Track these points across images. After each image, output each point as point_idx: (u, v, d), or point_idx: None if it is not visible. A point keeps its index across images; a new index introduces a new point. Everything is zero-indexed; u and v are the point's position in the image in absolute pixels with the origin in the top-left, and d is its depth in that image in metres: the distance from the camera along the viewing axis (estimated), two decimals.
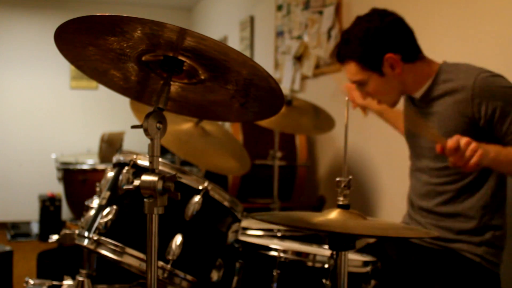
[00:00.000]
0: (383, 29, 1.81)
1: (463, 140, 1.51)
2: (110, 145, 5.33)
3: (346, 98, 1.31)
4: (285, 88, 3.91)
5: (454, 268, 1.77)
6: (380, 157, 2.88)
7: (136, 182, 1.18)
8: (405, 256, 1.89)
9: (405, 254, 1.90)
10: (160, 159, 1.21)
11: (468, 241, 1.78)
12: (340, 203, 1.26)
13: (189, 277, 1.47)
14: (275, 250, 1.60)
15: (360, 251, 1.81)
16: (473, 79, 1.71)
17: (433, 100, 1.83)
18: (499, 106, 1.67)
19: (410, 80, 1.86)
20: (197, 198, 1.49)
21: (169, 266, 1.44)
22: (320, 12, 3.52)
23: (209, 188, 1.51)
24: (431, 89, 1.84)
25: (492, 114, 1.68)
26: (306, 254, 1.58)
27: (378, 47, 1.81)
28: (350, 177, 1.26)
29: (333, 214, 1.26)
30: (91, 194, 1.79)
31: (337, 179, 1.25)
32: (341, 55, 1.89)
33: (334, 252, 1.26)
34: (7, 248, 2.90)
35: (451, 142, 1.51)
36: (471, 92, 1.70)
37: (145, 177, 1.17)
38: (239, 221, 1.64)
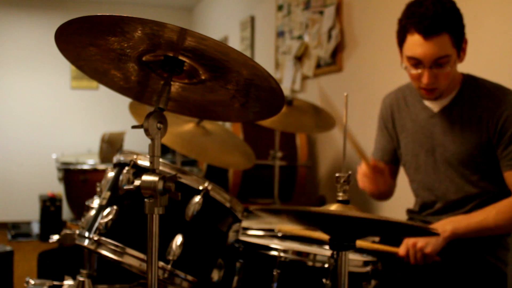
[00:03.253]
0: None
1: (410, 243, 1.69)
2: (111, 145, 5.32)
3: (345, 94, 1.30)
4: (285, 88, 3.91)
5: (468, 266, 1.77)
6: None
7: (137, 182, 1.18)
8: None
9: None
10: (160, 159, 1.21)
11: (485, 241, 1.79)
12: (340, 198, 1.25)
13: (189, 277, 1.47)
14: (276, 250, 1.60)
15: (361, 251, 1.80)
16: (506, 101, 1.72)
17: (457, 111, 1.80)
18: None
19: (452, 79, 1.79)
20: (197, 198, 1.49)
21: (169, 266, 1.44)
22: (321, 12, 3.52)
23: (210, 188, 1.51)
24: (458, 98, 1.80)
25: (504, 132, 1.71)
26: (307, 254, 1.58)
27: (463, 23, 1.72)
28: (350, 172, 1.25)
29: (333, 208, 1.25)
30: (91, 194, 1.79)
31: (337, 174, 1.25)
32: (438, 25, 1.66)
33: (335, 252, 1.25)
34: (8, 248, 2.90)
35: (401, 251, 1.71)
36: (501, 111, 1.71)
37: (145, 177, 1.17)
38: (240, 221, 1.64)
